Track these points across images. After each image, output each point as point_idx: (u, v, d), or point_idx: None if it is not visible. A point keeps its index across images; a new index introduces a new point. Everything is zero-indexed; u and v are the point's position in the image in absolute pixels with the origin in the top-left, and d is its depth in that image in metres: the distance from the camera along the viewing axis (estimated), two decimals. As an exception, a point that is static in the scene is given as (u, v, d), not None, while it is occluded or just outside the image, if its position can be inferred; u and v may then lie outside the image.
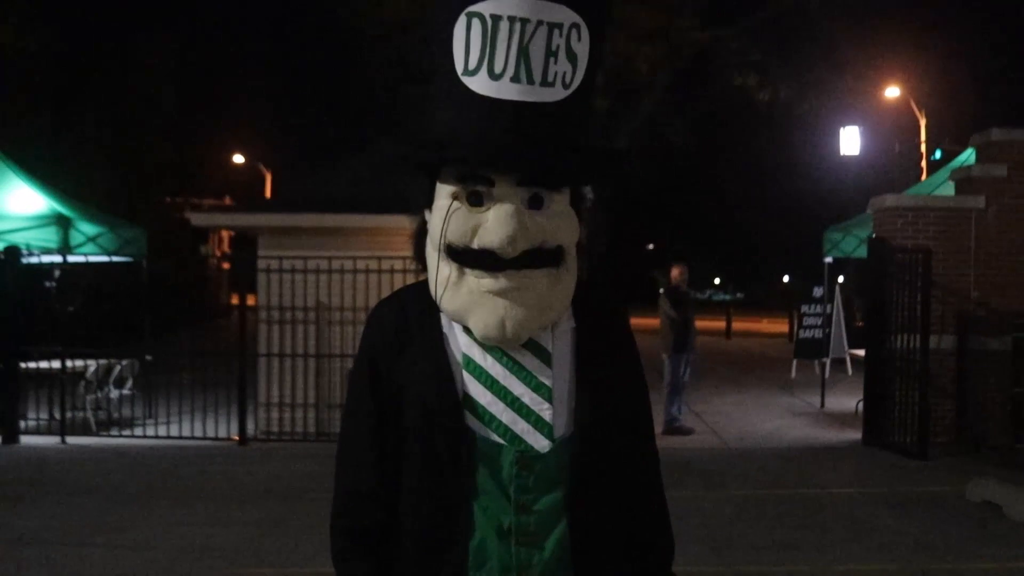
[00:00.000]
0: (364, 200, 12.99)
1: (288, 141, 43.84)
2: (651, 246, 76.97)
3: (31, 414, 13.82)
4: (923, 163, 33.12)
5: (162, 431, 13.47)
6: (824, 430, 14.58)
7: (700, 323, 16.26)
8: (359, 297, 12.56)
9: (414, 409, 2.20)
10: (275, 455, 12.37)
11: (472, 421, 2.17)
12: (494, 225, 2.10)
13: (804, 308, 20.13)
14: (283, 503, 9.67)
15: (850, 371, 20.77)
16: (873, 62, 30.48)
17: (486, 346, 2.20)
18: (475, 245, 2.13)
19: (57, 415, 13.47)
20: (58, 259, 14.51)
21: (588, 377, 2.25)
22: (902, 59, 32.15)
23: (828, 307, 19.41)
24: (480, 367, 2.20)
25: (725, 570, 7.59)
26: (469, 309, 2.16)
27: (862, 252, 14.93)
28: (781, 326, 40.28)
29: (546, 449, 2.17)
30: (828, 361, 18.98)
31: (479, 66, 2.10)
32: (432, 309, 2.25)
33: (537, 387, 2.19)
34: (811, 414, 16.40)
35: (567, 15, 2.11)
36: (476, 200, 2.14)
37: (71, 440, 13.09)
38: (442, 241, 2.17)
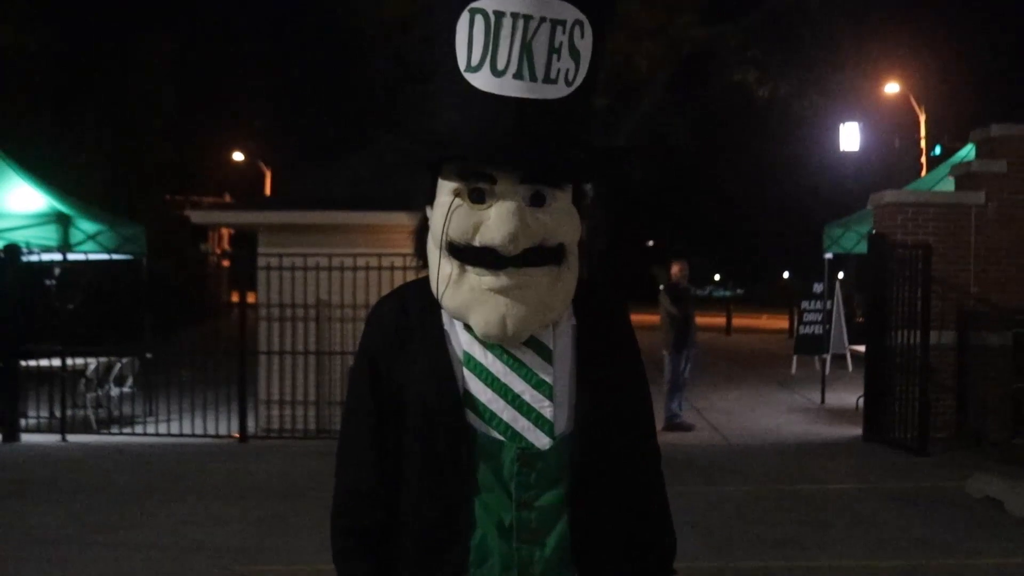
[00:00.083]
0: (364, 197, 12.98)
1: (288, 139, 43.74)
2: (651, 243, 76.94)
3: (31, 412, 13.84)
4: (923, 159, 33.13)
5: (162, 429, 13.46)
6: (824, 426, 14.59)
7: (700, 320, 16.25)
8: (359, 294, 12.54)
9: (415, 407, 2.20)
10: (276, 452, 12.37)
11: (473, 419, 2.17)
12: (496, 223, 2.09)
13: (804, 304, 20.15)
14: (284, 500, 9.68)
15: (850, 367, 20.77)
16: (873, 58, 30.47)
17: (487, 343, 2.19)
18: (476, 243, 2.13)
19: (57, 413, 13.48)
20: (58, 257, 14.51)
21: (589, 374, 2.25)
22: (901, 55, 32.14)
23: (828, 303, 19.42)
24: (481, 364, 2.20)
25: (726, 566, 7.59)
26: (470, 307, 2.16)
27: (862, 248, 14.93)
28: (781, 322, 40.33)
29: (547, 446, 2.17)
30: (828, 357, 18.99)
31: (482, 62, 2.10)
32: (433, 306, 2.24)
33: (538, 384, 2.19)
34: (811, 410, 16.41)
35: (570, 12, 2.11)
36: (478, 197, 2.13)
37: (71, 438, 13.09)
38: (443, 238, 2.16)
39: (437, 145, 2.19)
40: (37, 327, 14.81)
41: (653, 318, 14.77)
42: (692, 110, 28.40)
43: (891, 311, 12.89)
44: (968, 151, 14.86)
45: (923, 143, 33.60)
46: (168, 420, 13.64)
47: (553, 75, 2.11)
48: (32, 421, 13.73)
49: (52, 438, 13.12)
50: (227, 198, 48.15)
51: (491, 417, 2.17)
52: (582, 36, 2.13)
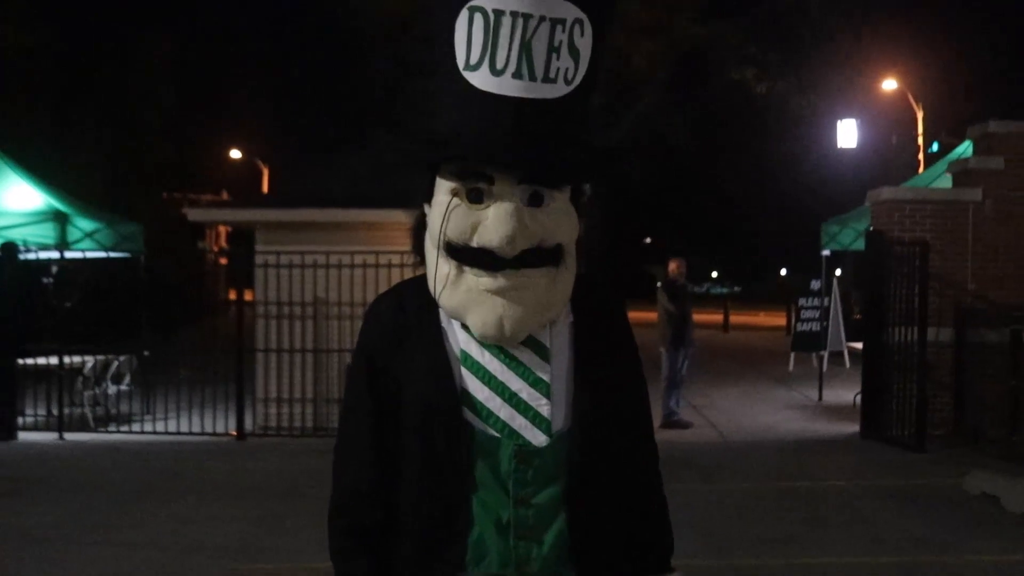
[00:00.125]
0: (361, 195, 12.96)
1: (285, 137, 43.73)
2: (649, 240, 76.96)
3: (29, 410, 13.82)
4: (920, 156, 33.12)
5: (160, 427, 13.45)
6: (822, 423, 14.59)
7: (698, 317, 16.27)
8: (357, 292, 12.52)
9: (412, 405, 2.20)
10: (273, 450, 12.37)
11: (470, 416, 2.17)
12: (493, 224, 2.09)
13: (802, 301, 20.13)
14: (282, 498, 9.68)
15: (848, 364, 20.75)
16: (870, 55, 30.50)
17: (484, 342, 2.20)
18: (474, 243, 2.13)
19: (55, 411, 13.47)
20: (56, 255, 14.51)
21: (586, 372, 2.25)
22: (899, 52, 32.16)
23: (826, 300, 19.40)
24: (478, 363, 2.20)
25: (723, 564, 7.59)
26: (468, 307, 2.16)
27: (859, 245, 14.92)
28: (779, 319, 40.28)
29: (544, 444, 2.17)
30: (826, 354, 18.98)
31: (481, 61, 2.09)
32: (430, 304, 2.24)
33: (535, 383, 2.19)
34: (809, 407, 16.41)
35: (570, 11, 2.10)
36: (476, 197, 2.13)
37: (69, 436, 13.09)
38: (441, 238, 2.16)
39: (435, 145, 2.18)
40: (35, 325, 14.81)
41: (651, 315, 14.77)
42: (690, 108, 28.41)
43: (889, 308, 12.89)
44: (965, 148, 14.86)
45: (920, 140, 33.60)
46: (166, 418, 13.63)
47: (552, 74, 2.10)
48: (29, 419, 13.71)
49: (50, 436, 13.11)
50: (225, 196, 48.09)
51: (488, 415, 2.17)
52: (582, 35, 2.12)
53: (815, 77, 28.25)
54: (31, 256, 14.12)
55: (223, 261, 32.32)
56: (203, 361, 13.71)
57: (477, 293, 2.14)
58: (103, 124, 32.42)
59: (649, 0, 22.60)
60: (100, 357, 14.22)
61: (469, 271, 2.14)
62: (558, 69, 2.10)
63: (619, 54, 22.64)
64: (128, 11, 36.49)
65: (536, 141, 2.09)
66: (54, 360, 13.48)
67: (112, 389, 14.53)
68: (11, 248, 13.17)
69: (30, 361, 13.66)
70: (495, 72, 2.08)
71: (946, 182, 14.32)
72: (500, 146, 2.09)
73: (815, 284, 19.44)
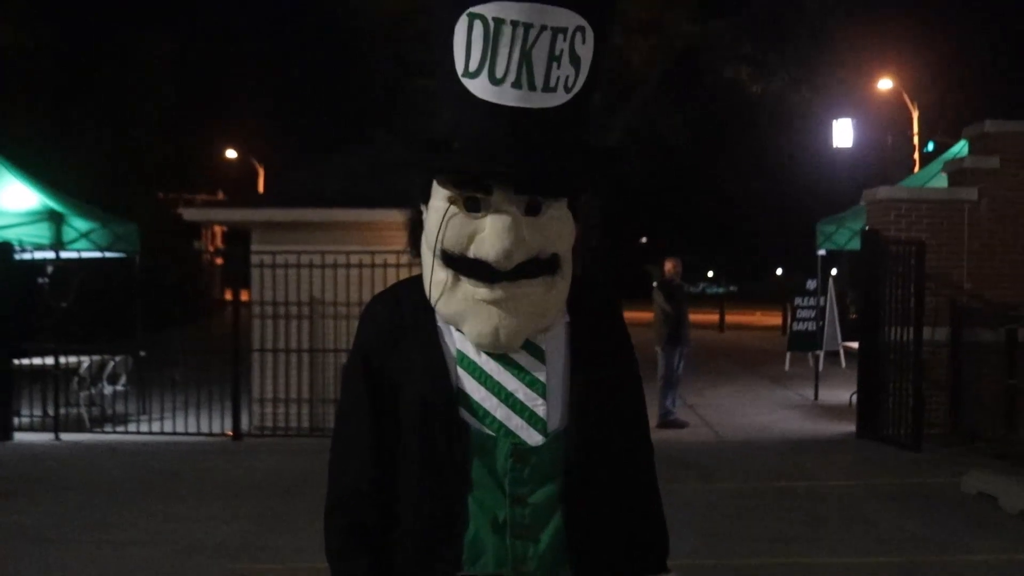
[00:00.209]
0: (357, 195, 12.96)
1: (281, 136, 43.76)
2: (644, 240, 76.96)
3: (25, 411, 13.82)
4: (916, 155, 33.12)
5: (156, 427, 13.44)
6: (818, 423, 14.60)
7: (694, 316, 16.27)
8: (352, 292, 12.52)
9: (409, 404, 2.20)
10: (269, 450, 12.36)
11: (466, 416, 2.17)
12: (490, 237, 2.08)
13: (798, 301, 20.17)
14: (278, 498, 9.67)
15: (844, 364, 20.78)
16: (865, 54, 30.51)
17: (480, 347, 2.20)
18: (471, 254, 2.12)
19: (51, 412, 13.46)
20: (51, 255, 14.48)
21: (582, 372, 2.25)
22: (894, 51, 32.14)
23: (821, 300, 19.43)
24: (474, 363, 2.20)
25: (719, 563, 7.59)
26: (463, 316, 2.16)
27: (855, 245, 14.93)
28: (775, 319, 40.35)
29: (539, 444, 2.17)
30: (822, 354, 19.00)
31: (480, 69, 2.07)
32: (427, 305, 2.24)
33: (531, 383, 2.19)
34: (805, 407, 16.42)
35: (572, 19, 2.06)
36: (473, 206, 2.12)
37: (65, 437, 13.07)
38: (438, 247, 2.15)
39: (433, 152, 2.17)
40: (30, 325, 14.80)
41: (647, 315, 14.77)
42: (686, 107, 28.42)
43: (884, 308, 12.90)
44: (961, 147, 14.87)
45: (916, 139, 33.60)
46: (162, 418, 13.62)
47: (552, 83, 2.07)
48: (25, 420, 13.70)
49: (46, 437, 13.10)
50: (220, 196, 48.09)
51: (484, 415, 2.17)
52: (583, 42, 2.09)
53: (810, 76, 28.27)
54: (26, 256, 14.10)
55: (219, 261, 32.31)
56: (199, 361, 13.69)
57: (473, 302, 2.14)
58: (101, 124, 32.43)
59: (644, -2, 22.64)
60: (96, 357, 14.21)
61: (466, 280, 2.14)
62: (558, 78, 2.08)
63: (614, 53, 22.62)
64: (126, 11, 36.52)
65: (534, 151, 2.07)
66: (50, 360, 13.47)
67: (108, 389, 14.51)
68: (6, 248, 13.15)
69: (26, 361, 13.64)
70: (494, 81, 2.06)
71: (942, 182, 14.34)
72: (498, 156, 2.07)
73: (811, 284, 19.47)
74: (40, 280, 17.54)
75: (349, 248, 12.74)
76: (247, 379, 13.43)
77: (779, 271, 59.24)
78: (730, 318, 41.16)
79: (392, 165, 2.38)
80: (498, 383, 2.18)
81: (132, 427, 13.73)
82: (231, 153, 48.53)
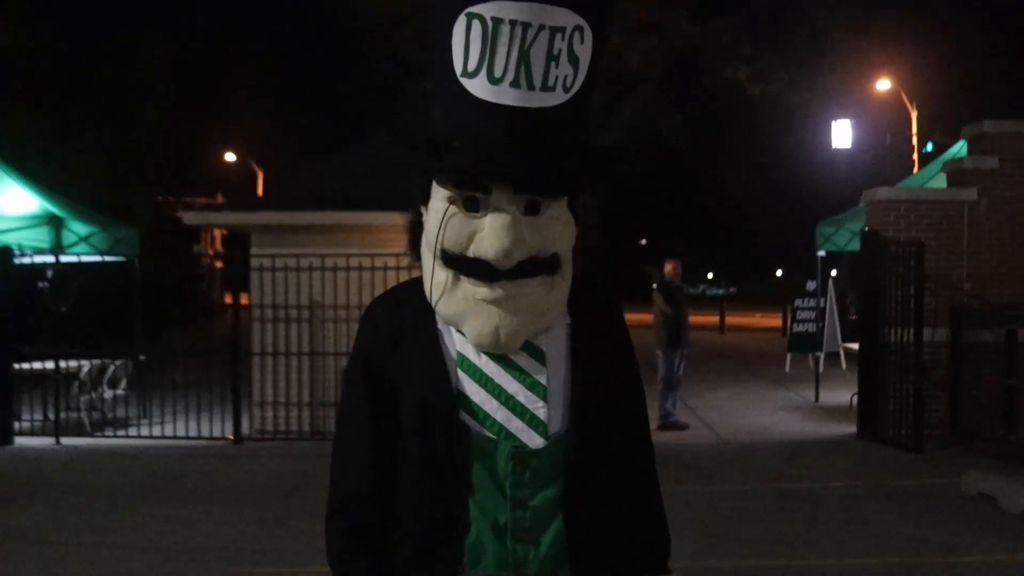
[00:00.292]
0: (357, 197, 12.96)
1: (280, 139, 43.81)
2: (644, 242, 77.01)
3: (25, 415, 13.82)
4: (915, 156, 33.14)
5: (156, 431, 13.45)
6: (819, 424, 14.59)
7: (694, 318, 16.27)
8: (352, 295, 12.52)
9: (409, 407, 2.19)
10: (270, 454, 12.36)
11: (467, 419, 2.17)
12: (490, 236, 2.08)
13: (797, 302, 20.17)
14: (279, 502, 9.67)
15: (844, 365, 20.78)
16: (864, 55, 30.50)
17: (480, 348, 2.20)
18: (471, 254, 2.12)
19: (51, 416, 13.45)
20: (51, 259, 14.48)
21: (583, 374, 2.25)
22: (893, 52, 32.16)
23: (821, 301, 19.42)
24: (474, 365, 2.20)
25: (721, 565, 7.59)
26: (463, 316, 2.16)
27: (855, 246, 14.92)
28: (775, 320, 40.32)
29: (540, 446, 2.17)
30: (822, 355, 19.00)
31: (478, 69, 2.07)
32: (427, 307, 2.24)
33: (532, 385, 2.19)
34: (805, 408, 16.41)
35: (570, 18, 2.07)
36: (472, 206, 2.12)
37: (65, 441, 13.06)
38: (438, 247, 2.15)
39: (432, 152, 2.17)
40: (30, 330, 14.79)
41: (647, 316, 14.77)
42: (685, 108, 28.41)
43: (884, 308, 12.90)
44: (960, 148, 14.87)
45: (915, 140, 33.62)
46: (162, 422, 13.63)
47: (551, 83, 2.08)
48: (26, 424, 13.70)
49: (46, 441, 13.09)
50: (220, 199, 48.08)
51: (485, 417, 2.17)
52: (582, 42, 2.10)
53: (809, 77, 28.22)
54: (26, 260, 14.10)
55: (218, 264, 32.29)
56: (199, 365, 13.69)
57: (473, 302, 2.14)
58: (100, 125, 32.38)
59: (643, -3, 22.62)
60: (96, 361, 14.20)
61: (466, 280, 2.14)
62: (557, 77, 2.08)
63: (613, 53, 22.62)
64: (126, 11, 36.54)
65: (533, 151, 2.07)
66: (50, 365, 13.46)
67: (108, 393, 14.51)
68: (5, 252, 13.15)
69: (26, 366, 13.63)
70: (493, 80, 2.06)
71: (941, 182, 14.33)
72: (497, 156, 2.07)
73: (811, 285, 19.46)
74: (40, 284, 17.56)
75: (349, 251, 12.73)
76: (247, 383, 13.42)
77: (779, 272, 59.31)
78: (730, 320, 41.14)
79: (391, 166, 2.39)
80: (499, 385, 2.18)
81: (133, 431, 13.74)
82: (230, 156, 48.54)
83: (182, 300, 26.43)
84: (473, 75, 2.07)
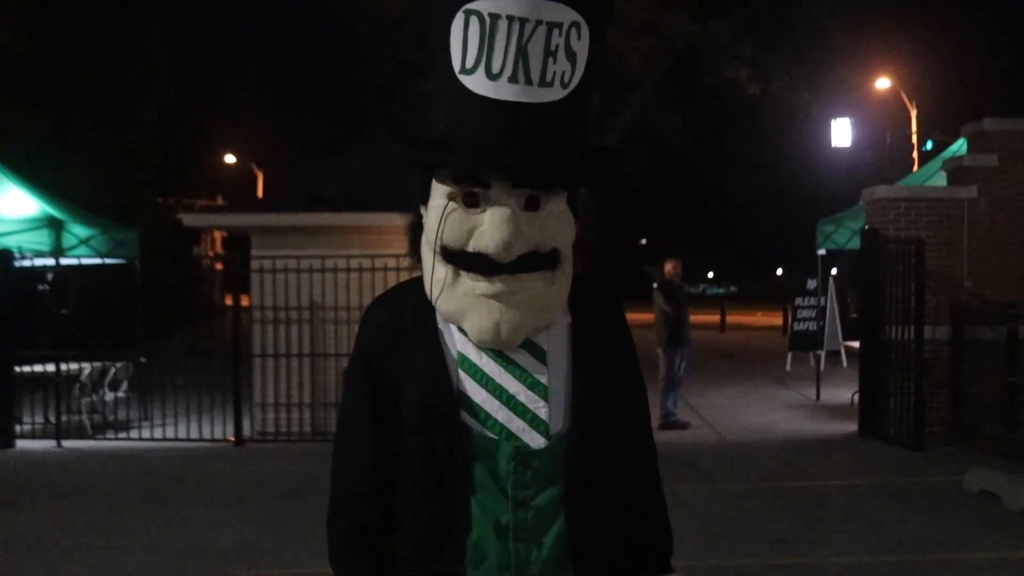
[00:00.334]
0: (357, 198, 12.97)
1: (280, 140, 43.82)
2: (644, 241, 77.03)
3: (26, 418, 13.81)
4: (915, 154, 33.15)
5: (158, 433, 13.44)
6: (820, 422, 14.59)
7: (694, 317, 16.26)
8: (353, 296, 12.52)
9: (410, 407, 2.19)
10: (271, 455, 12.36)
11: (468, 419, 2.17)
12: (489, 229, 2.09)
13: (798, 301, 20.14)
14: (280, 503, 9.67)
15: (845, 363, 20.77)
16: (863, 54, 30.48)
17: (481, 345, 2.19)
18: (470, 248, 2.12)
19: (52, 419, 13.45)
20: (51, 262, 14.48)
21: (584, 374, 2.25)
22: (892, 50, 32.16)
23: (822, 299, 19.42)
24: (475, 365, 2.19)
25: (722, 564, 7.59)
26: (464, 312, 2.16)
27: (855, 244, 14.93)
28: (775, 319, 40.32)
29: (541, 446, 2.17)
30: (823, 353, 18.99)
31: (476, 65, 2.08)
32: (427, 307, 2.24)
33: (532, 385, 2.19)
34: (806, 407, 16.41)
35: (567, 14, 2.09)
36: (472, 201, 2.12)
37: (67, 444, 13.06)
38: (437, 243, 2.16)
39: (431, 149, 2.18)
40: (31, 332, 14.78)
41: (647, 316, 14.77)
42: (685, 108, 28.39)
43: (885, 306, 12.90)
44: (960, 146, 14.88)
45: (915, 138, 33.62)
46: (163, 424, 13.63)
47: (549, 78, 2.09)
48: (27, 427, 13.68)
49: (47, 444, 13.09)
50: (220, 201, 48.08)
51: (486, 417, 2.17)
52: (579, 38, 2.11)
53: (809, 76, 28.19)
54: (26, 263, 14.10)
55: (218, 266, 32.26)
56: (200, 367, 13.68)
57: (474, 297, 2.14)
58: (100, 125, 32.36)
59: (643, -3, 22.59)
60: (97, 364, 14.19)
61: (466, 275, 2.14)
62: (555, 73, 2.10)
63: (613, 53, 22.61)
64: (125, 13, 36.56)
65: (532, 145, 2.09)
66: (51, 367, 13.46)
67: (109, 396, 14.50)
68: (6, 255, 13.15)
69: (27, 369, 13.63)
70: (491, 76, 2.08)
71: (941, 180, 14.34)
72: (496, 150, 2.08)
73: (811, 283, 19.45)
74: (40, 287, 17.55)
75: (349, 252, 12.73)
76: (248, 384, 13.42)
77: (779, 271, 59.31)
78: (731, 319, 41.16)
79: (391, 166, 2.39)
80: (499, 385, 2.18)
81: (134, 433, 13.74)
82: (230, 157, 48.54)
83: (182, 302, 26.40)
84: (471, 71, 2.09)
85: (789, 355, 21.68)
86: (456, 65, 2.11)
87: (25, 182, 14.44)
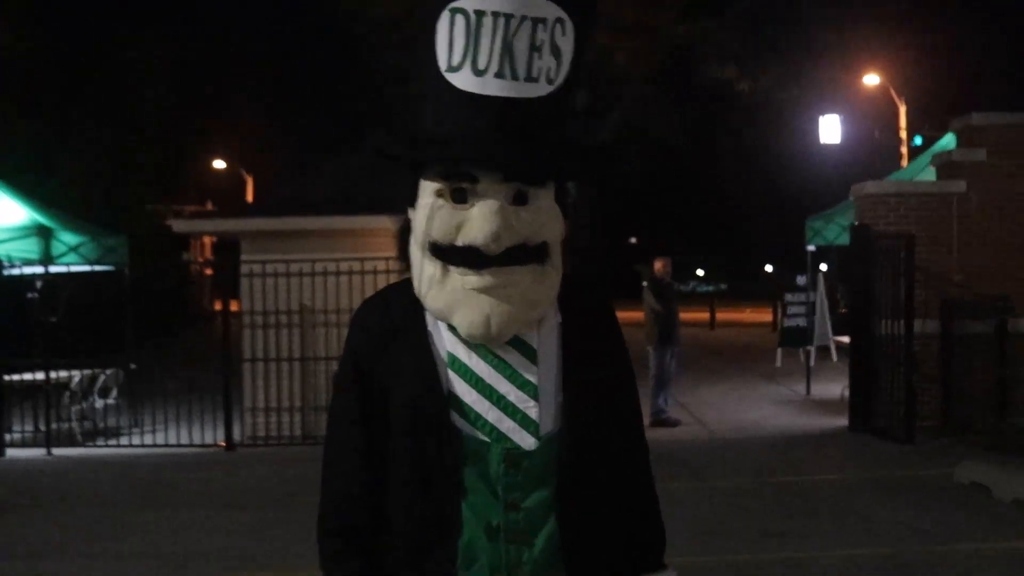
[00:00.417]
0: (345, 201, 12.96)
1: (268, 144, 43.73)
2: (634, 240, 77.09)
3: (16, 426, 13.77)
4: (903, 149, 33.22)
5: (148, 439, 13.41)
6: (810, 417, 14.62)
7: (684, 315, 16.29)
8: (343, 299, 12.49)
9: (400, 409, 2.19)
10: (263, 460, 12.35)
11: (458, 420, 2.16)
12: (478, 222, 2.08)
13: (788, 297, 20.16)
14: (272, 507, 9.65)
15: (835, 358, 20.75)
16: (852, 50, 30.58)
17: (471, 344, 2.18)
18: (459, 242, 2.12)
19: (42, 427, 13.42)
20: (40, 270, 14.44)
21: (575, 373, 2.24)
22: (880, 46, 32.24)
23: (812, 295, 19.44)
24: (465, 365, 2.19)
25: (715, 560, 7.60)
26: (454, 307, 2.15)
27: (844, 240, 14.96)
28: (765, 316, 40.37)
29: (532, 447, 2.16)
30: (813, 349, 19.00)
31: (463, 62, 2.09)
32: (417, 307, 2.23)
33: (523, 385, 2.18)
34: (797, 402, 16.45)
35: (551, 10, 2.10)
36: (460, 197, 2.12)
37: (57, 452, 13.03)
38: (426, 239, 2.15)
39: (419, 145, 2.18)
40: (20, 341, 14.75)
41: (637, 314, 14.79)
42: (675, 106, 28.45)
43: (875, 301, 12.92)
44: (948, 140, 14.90)
45: (903, 134, 33.69)
46: (154, 431, 13.60)
47: (535, 74, 2.10)
48: (17, 435, 13.66)
49: (38, 452, 13.06)
50: (209, 206, 48.03)
51: (476, 418, 2.16)
52: (563, 34, 2.13)
53: (797, 74, 28.30)
54: (15, 272, 14.06)
55: (208, 272, 32.21)
56: (190, 372, 13.66)
57: (463, 292, 2.13)
58: (92, 132, 32.23)
59: (633, -2, 22.68)
60: (87, 371, 14.17)
61: (455, 271, 2.14)
62: (540, 68, 2.11)
63: (603, 52, 22.68)
64: (117, 16, 36.48)
65: (519, 140, 2.10)
66: (40, 375, 13.43)
67: (99, 403, 14.47)
68: (-5, 264, 13.12)
69: (16, 377, 13.61)
70: (477, 72, 2.09)
71: (930, 175, 14.35)
72: (483, 145, 2.09)
73: (801, 280, 19.47)
74: (29, 295, 17.50)
75: (338, 255, 12.71)
76: (239, 389, 13.40)
77: (769, 268, 59.34)
78: (721, 316, 41.23)
79: (380, 166, 2.39)
80: (490, 386, 2.17)
81: (124, 440, 13.73)
82: (219, 163, 48.51)
83: (172, 308, 26.34)
84: (458, 69, 2.10)
85: (779, 351, 21.66)
86: (442, 64, 2.12)
87: (13, 190, 14.39)
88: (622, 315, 2.66)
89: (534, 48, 2.09)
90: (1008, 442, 11.54)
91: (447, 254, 2.14)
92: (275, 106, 42.87)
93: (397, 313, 2.27)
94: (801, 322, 19.47)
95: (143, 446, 13.29)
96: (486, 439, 2.15)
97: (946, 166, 13.64)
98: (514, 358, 2.19)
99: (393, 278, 2.16)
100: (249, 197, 42.54)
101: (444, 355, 2.20)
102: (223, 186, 48.49)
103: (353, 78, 28.68)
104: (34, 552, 8.25)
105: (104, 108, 32.41)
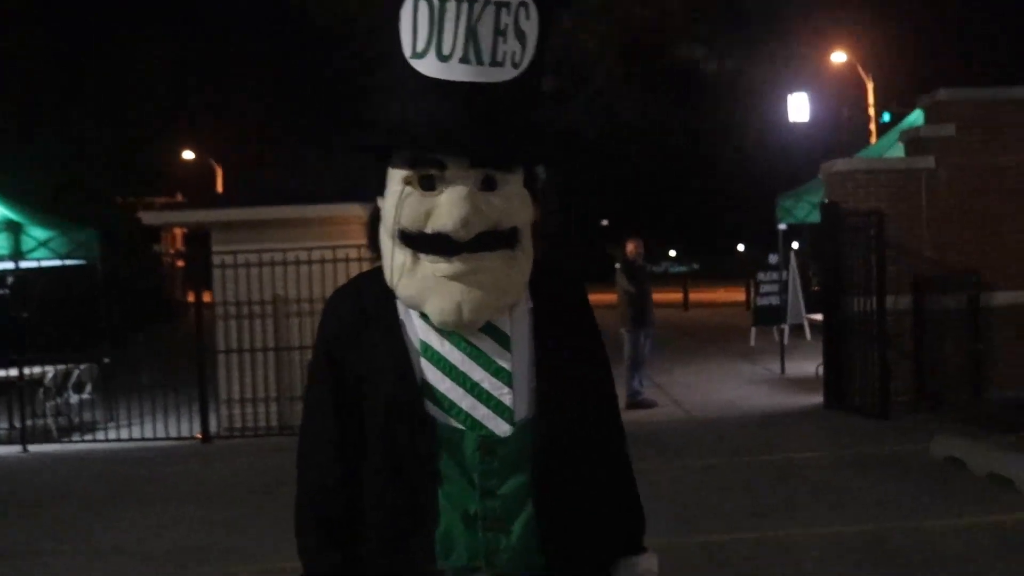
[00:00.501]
0: (315, 190, 12.91)
1: (238, 134, 43.50)
2: (606, 222, 77.10)
3: (-10, 424, 13.71)
4: (872, 126, 33.34)
5: (124, 434, 13.37)
6: (786, 396, 14.68)
7: (657, 296, 16.31)
8: (315, 288, 12.46)
9: (374, 398, 2.19)
10: (239, 451, 12.31)
11: (432, 408, 2.16)
12: (447, 208, 2.08)
13: (760, 276, 20.27)
14: (249, 499, 9.63)
15: (808, 336, 20.90)
16: (819, 28, 30.65)
17: (444, 332, 2.18)
18: (429, 230, 2.12)
19: (17, 424, 13.35)
20: (10, 266, 14.35)
21: (548, 359, 2.24)
22: (847, 24, 32.33)
23: (784, 274, 19.53)
24: (438, 353, 2.19)
25: (695, 541, 7.62)
26: (425, 295, 2.14)
27: (815, 218, 15.00)
28: (738, 295, 40.48)
29: (507, 433, 2.16)
30: (786, 327, 19.09)
31: (427, 48, 2.09)
32: (389, 296, 2.23)
33: (496, 372, 2.18)
34: (772, 380, 16.51)
35: None
36: (428, 184, 2.12)
37: (33, 448, 12.97)
38: (395, 227, 2.15)
39: (385, 133, 2.18)
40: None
41: (610, 297, 14.80)
42: (642, 89, 28.44)
43: (847, 279, 12.97)
44: (917, 117, 14.93)
45: (872, 111, 33.81)
46: (129, 425, 13.55)
47: (500, 58, 2.10)
48: (-9, 432, 13.60)
49: (13, 449, 12.99)
50: (179, 198, 47.76)
51: (450, 406, 2.16)
52: (527, 17, 2.12)
53: (764, 52, 28.34)
54: (-15, 268, 13.98)
55: (180, 264, 32.05)
56: (164, 365, 13.61)
57: (434, 280, 2.13)
58: (60, 126, 32.01)
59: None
60: (60, 367, 14.09)
61: (425, 258, 2.13)
62: (505, 53, 2.11)
63: (571, 35, 22.66)
64: (108, 16, 36.26)
65: (486, 125, 2.10)
66: (14, 372, 13.36)
67: (74, 398, 14.40)
68: (-35, 261, 13.03)
69: (-11, 374, 13.54)
70: (442, 58, 2.08)
71: (899, 151, 14.39)
72: (449, 131, 2.09)
73: (773, 258, 19.57)
74: (0, 292, 17.39)
75: (309, 244, 12.67)
76: (214, 381, 13.35)
77: (741, 247, 59.49)
78: (694, 296, 41.34)
79: (348, 156, 2.39)
80: (463, 373, 2.17)
81: (100, 435, 13.66)
82: (188, 154, 48.28)
83: (145, 301, 26.19)
84: (422, 55, 2.10)
85: (753, 330, 21.80)
86: (407, 51, 2.11)
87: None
88: (595, 298, 2.66)
89: (498, 32, 2.09)
90: (982, 416, 11.61)
91: (417, 242, 2.13)
92: (239, 97, 42.61)
93: (369, 301, 2.27)
94: (774, 300, 19.60)
95: (119, 440, 13.24)
96: (461, 427, 2.15)
97: (914, 142, 13.68)
98: (487, 345, 2.19)
99: (366, 266, 2.15)
100: (219, 188, 42.35)
101: (417, 343, 2.20)
102: (193, 177, 48.27)
103: (318, 70, 28.60)
104: (12, 551, 8.21)
105: (63, 107, 32.16)
